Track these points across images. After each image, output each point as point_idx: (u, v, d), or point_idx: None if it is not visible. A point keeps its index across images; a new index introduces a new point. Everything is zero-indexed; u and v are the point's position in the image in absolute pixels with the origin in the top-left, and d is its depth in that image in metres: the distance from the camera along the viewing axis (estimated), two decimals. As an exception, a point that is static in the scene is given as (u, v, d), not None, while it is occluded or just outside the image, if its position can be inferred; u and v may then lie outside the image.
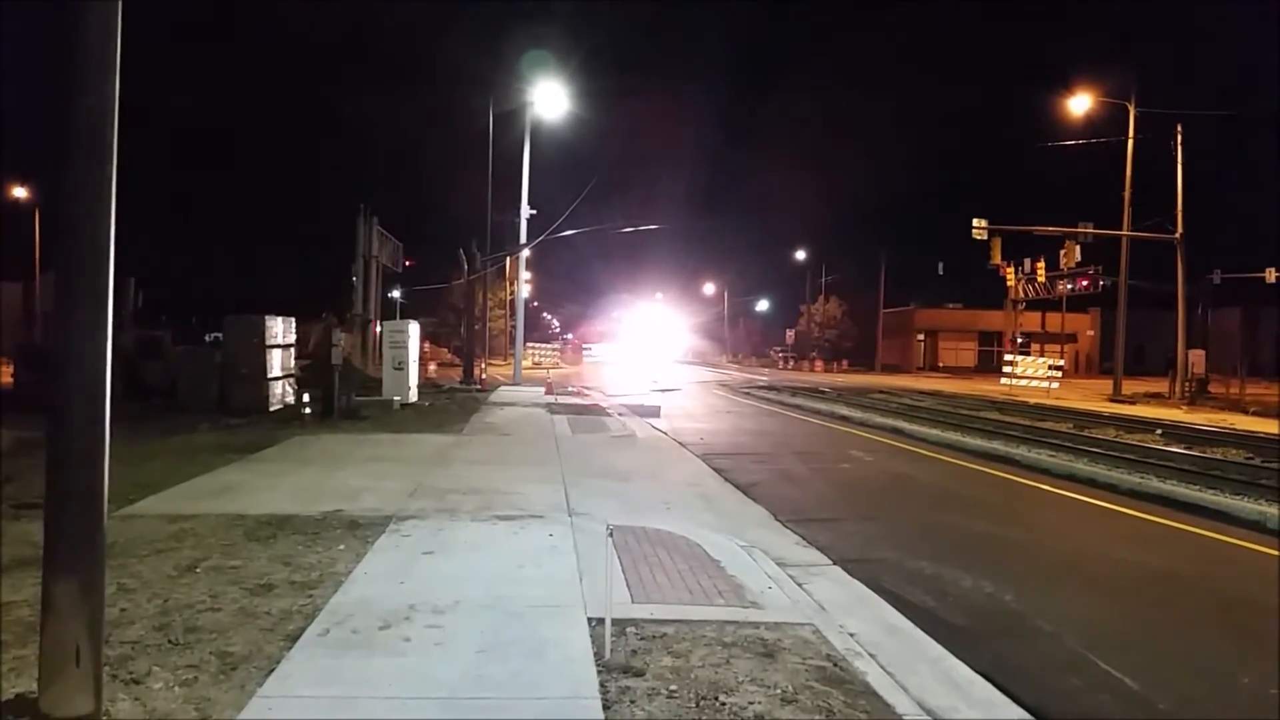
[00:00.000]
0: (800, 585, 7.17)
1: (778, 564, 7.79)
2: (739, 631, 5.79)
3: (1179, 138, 35.85)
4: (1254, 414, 28.04)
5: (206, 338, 41.09)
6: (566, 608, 6.09)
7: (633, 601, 6.33)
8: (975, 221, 39.04)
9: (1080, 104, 37.16)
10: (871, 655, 5.60)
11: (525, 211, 32.99)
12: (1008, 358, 43.19)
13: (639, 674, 5.02)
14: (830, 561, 8.21)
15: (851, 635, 5.98)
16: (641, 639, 5.59)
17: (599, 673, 4.96)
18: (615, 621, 5.54)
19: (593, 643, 5.39)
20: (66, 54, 3.95)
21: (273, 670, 4.80)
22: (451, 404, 23.81)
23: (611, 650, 5.29)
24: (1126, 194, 36.76)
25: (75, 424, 3.95)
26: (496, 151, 32.61)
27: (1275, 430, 21.60)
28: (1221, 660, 6.17)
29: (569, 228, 33.18)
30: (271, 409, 19.56)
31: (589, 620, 5.79)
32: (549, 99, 31.80)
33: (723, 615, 6.13)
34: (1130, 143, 36.59)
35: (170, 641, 5.18)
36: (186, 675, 4.71)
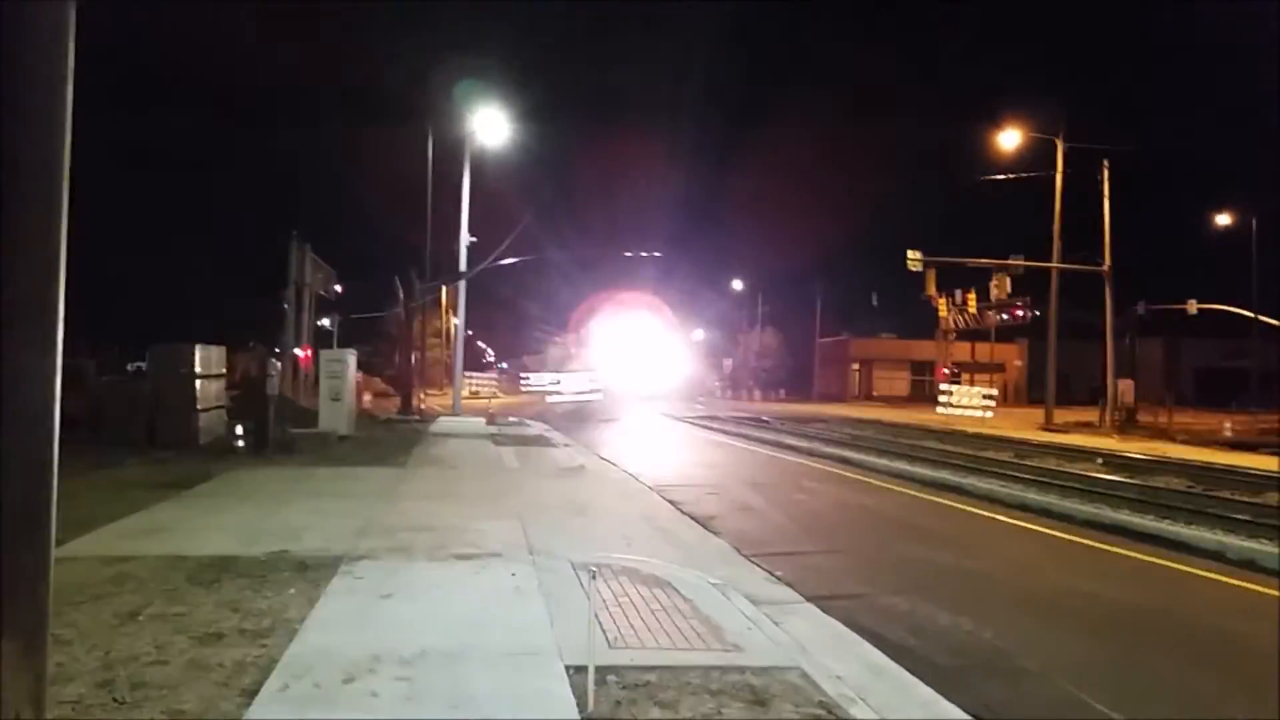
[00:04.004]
0: (776, 624, 6.93)
1: (749, 601, 7.55)
2: (725, 677, 5.51)
3: (1105, 173, 36.88)
4: (1183, 442, 28.72)
5: (129, 367, 39.70)
6: (540, 655, 5.76)
7: (610, 647, 6.02)
8: (910, 253, 39.62)
9: (1010, 139, 38.04)
10: (863, 700, 5.38)
11: (465, 240, 32.56)
12: (943, 387, 43.78)
13: (627, 727, 4.72)
14: (802, 598, 7.98)
15: (839, 678, 5.75)
16: (624, 688, 5.29)
17: (585, 727, 4.65)
18: (595, 669, 5.24)
19: (573, 693, 5.08)
20: (13, 58, 3.58)
21: (231, 732, 4.41)
22: (391, 436, 23.20)
23: (595, 702, 4.99)
24: (1056, 227, 37.64)
25: (19, 464, 3.54)
26: (439, 179, 32.20)
27: (1206, 459, 22.09)
28: (1216, 698, 6.07)
29: (507, 257, 32.88)
30: (202, 442, 18.78)
31: (566, 669, 5.47)
32: (491, 127, 31.54)
33: (705, 660, 5.85)
34: (1059, 177, 37.54)
35: (115, 700, 4.73)
36: (135, 740, 4.29)
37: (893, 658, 6.36)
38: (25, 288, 3.51)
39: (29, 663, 3.55)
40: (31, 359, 3.51)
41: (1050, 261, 38.07)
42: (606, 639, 6.17)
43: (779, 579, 8.67)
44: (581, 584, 7.66)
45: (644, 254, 44.94)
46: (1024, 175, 38.53)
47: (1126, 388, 36.18)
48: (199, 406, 19.17)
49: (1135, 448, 25.65)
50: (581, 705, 4.92)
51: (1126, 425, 34.09)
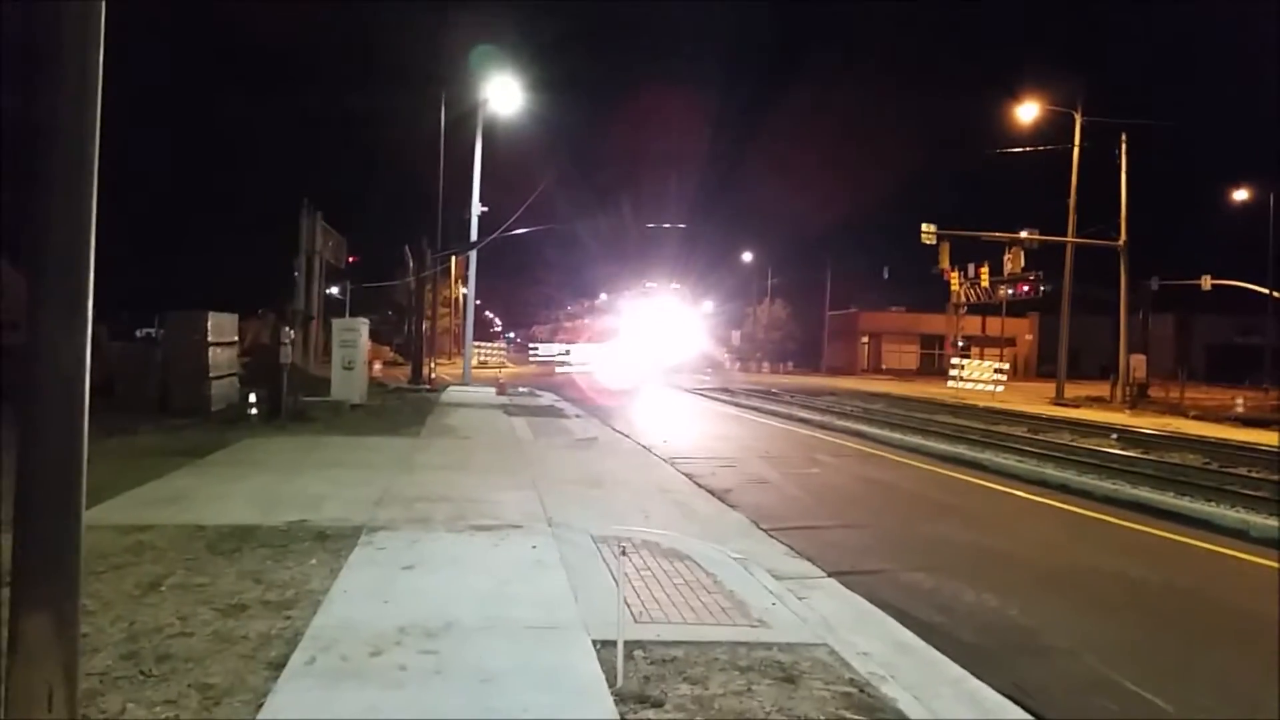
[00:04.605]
0: (800, 599, 6.87)
1: (771, 576, 7.49)
2: (752, 654, 5.46)
3: (1124, 147, 36.48)
4: (1194, 418, 28.55)
5: (137, 333, 39.70)
6: (566, 629, 5.72)
7: (635, 621, 5.96)
8: (925, 226, 39.34)
9: (1028, 112, 37.66)
10: (892, 678, 5.32)
11: (476, 209, 32.36)
12: (954, 361, 43.64)
13: (658, 705, 4.67)
14: (823, 573, 7.93)
15: (866, 655, 5.69)
16: (651, 663, 5.24)
17: (615, 703, 4.60)
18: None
19: (601, 668, 5.03)
20: (46, 31, 3.49)
21: (261, 705, 4.36)
22: (403, 405, 23.17)
23: (624, 677, 4.94)
24: (1072, 201, 37.31)
25: (52, 433, 3.49)
26: (454, 148, 31.97)
27: (1221, 435, 21.98)
28: (1255, 679, 5.99)
29: (519, 228, 32.69)
30: (214, 409, 18.76)
31: (593, 643, 5.42)
32: (505, 94, 31.26)
33: (732, 636, 5.80)
34: (1076, 151, 37.15)
35: (142, 673, 4.69)
36: (165, 712, 4.25)
37: (919, 635, 6.30)
38: (58, 260, 3.45)
39: (61, 638, 3.51)
40: (64, 329, 3.45)
41: (1065, 235, 37.76)
42: (631, 613, 6.11)
43: (798, 553, 8.61)
44: (602, 556, 7.62)
45: (667, 225, 44.61)
46: (1040, 149, 38.18)
47: (1139, 363, 35.96)
48: (211, 374, 19.14)
49: (1148, 423, 25.52)
50: (610, 680, 4.87)
51: (1138, 400, 33.91)
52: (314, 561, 7.07)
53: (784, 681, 5.05)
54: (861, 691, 4.99)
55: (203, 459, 12.16)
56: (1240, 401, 31.68)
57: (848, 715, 4.67)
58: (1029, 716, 4.96)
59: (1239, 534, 10.05)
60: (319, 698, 4.47)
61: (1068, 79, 48.91)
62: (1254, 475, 14.54)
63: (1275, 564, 8.90)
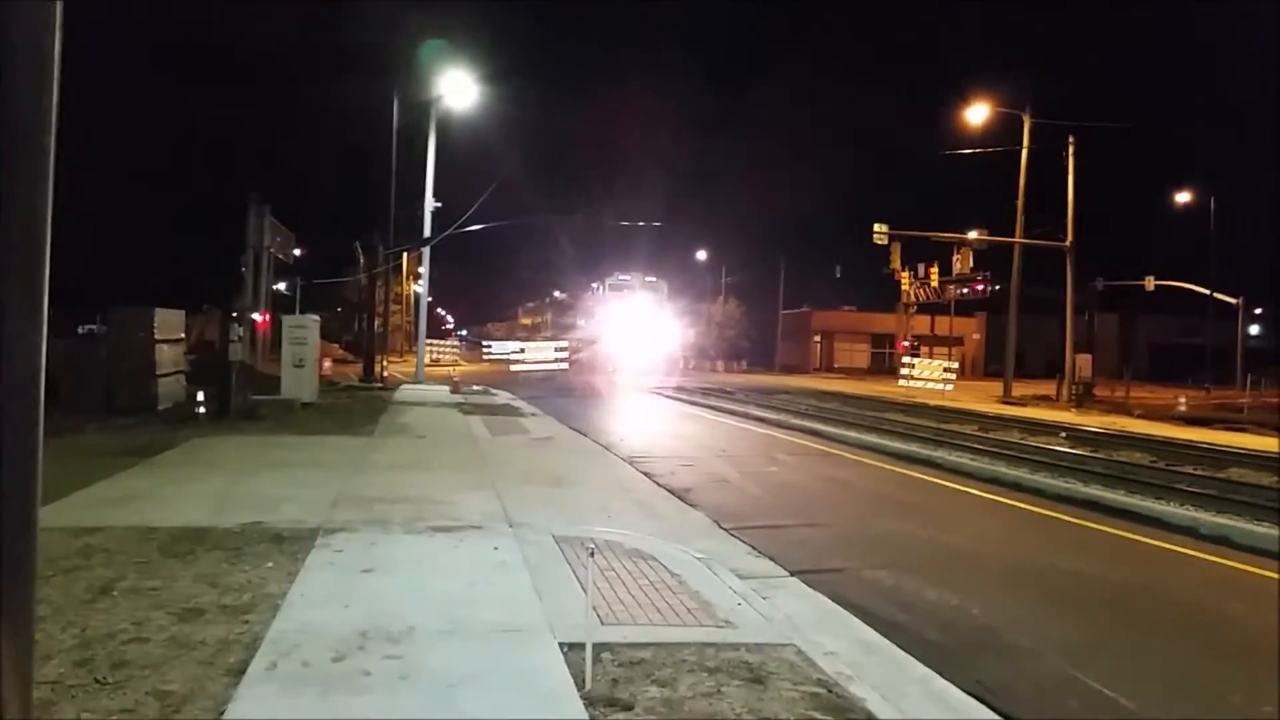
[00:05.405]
0: (764, 599, 6.87)
1: (735, 575, 7.48)
2: (720, 655, 5.44)
3: (1071, 149, 37.09)
4: (1139, 416, 29.13)
5: (79, 330, 38.68)
6: (532, 632, 5.65)
7: (601, 623, 5.92)
8: (877, 227, 39.67)
9: (978, 114, 38.08)
10: (859, 677, 5.33)
11: (430, 205, 32.00)
12: (905, 360, 44.11)
13: (628, 707, 4.63)
14: (786, 572, 7.94)
15: (832, 654, 5.70)
16: (619, 665, 5.19)
17: (585, 706, 4.55)
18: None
19: (569, 670, 4.98)
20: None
21: (222, 712, 4.24)
22: (355, 403, 22.86)
23: (592, 680, 4.89)
24: (1019, 202, 37.86)
25: (4, 437, 3.32)
26: (408, 142, 31.55)
27: (1165, 434, 22.45)
28: (1213, 676, 6.10)
29: (473, 223, 32.40)
30: (161, 408, 18.36)
31: (560, 645, 5.37)
32: (461, 88, 30.94)
33: (699, 637, 5.78)
34: (1024, 153, 37.71)
35: (97, 680, 4.54)
36: (122, 722, 4.12)
37: (883, 634, 6.33)
38: (14, 251, 3.29)
39: (16, 646, 3.35)
40: (21, 328, 3.30)
41: (1014, 236, 38.32)
42: (598, 615, 6.05)
43: (760, 552, 8.61)
44: (565, 557, 7.56)
45: (641, 223, 44.50)
46: (989, 150, 38.67)
47: (1085, 362, 36.65)
48: (158, 371, 18.73)
49: (1095, 422, 25.98)
50: (579, 683, 4.83)
51: (1084, 399, 34.52)
52: (270, 564, 6.92)
53: (753, 682, 5.03)
54: (830, 691, 4.99)
55: (152, 459, 11.88)
56: (1183, 401, 32.44)
57: (817, 716, 4.66)
58: (995, 715, 4.99)
59: (1189, 531, 10.25)
60: (280, 705, 4.37)
61: (1019, 81, 49.73)
62: (1199, 474, 14.85)
63: (1224, 560, 9.11)
